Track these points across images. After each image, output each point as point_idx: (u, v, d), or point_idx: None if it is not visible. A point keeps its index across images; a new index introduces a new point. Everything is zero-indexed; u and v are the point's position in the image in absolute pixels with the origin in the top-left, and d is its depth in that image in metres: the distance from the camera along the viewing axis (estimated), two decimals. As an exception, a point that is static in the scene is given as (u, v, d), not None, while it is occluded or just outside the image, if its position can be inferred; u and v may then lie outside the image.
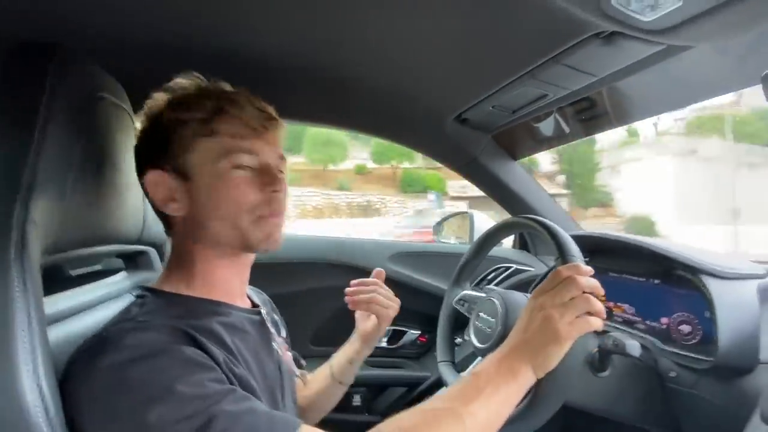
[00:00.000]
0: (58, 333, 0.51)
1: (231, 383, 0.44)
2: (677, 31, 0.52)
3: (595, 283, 0.49)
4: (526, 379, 0.47)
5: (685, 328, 0.73)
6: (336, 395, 0.76)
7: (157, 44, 0.73)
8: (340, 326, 1.29)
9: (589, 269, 0.50)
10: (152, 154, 0.52)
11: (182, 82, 0.54)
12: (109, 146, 0.54)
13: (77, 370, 0.41)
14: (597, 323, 0.47)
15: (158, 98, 0.54)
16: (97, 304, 0.64)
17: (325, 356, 1.27)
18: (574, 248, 0.57)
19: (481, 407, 0.44)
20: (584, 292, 0.48)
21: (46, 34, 0.68)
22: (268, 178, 0.52)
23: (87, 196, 0.50)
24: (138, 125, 0.55)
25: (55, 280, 0.56)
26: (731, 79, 0.71)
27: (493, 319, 0.65)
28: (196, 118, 0.51)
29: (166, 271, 0.55)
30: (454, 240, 1.54)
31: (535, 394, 0.50)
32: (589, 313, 0.48)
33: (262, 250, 0.54)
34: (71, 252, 0.52)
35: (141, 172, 0.53)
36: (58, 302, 0.56)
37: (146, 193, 0.53)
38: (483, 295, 0.77)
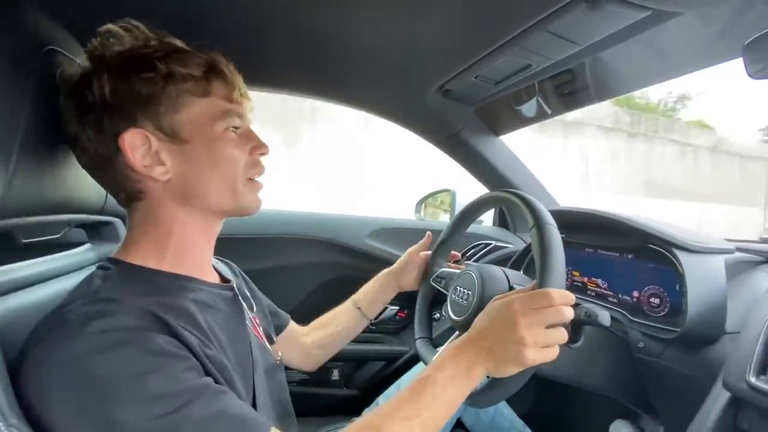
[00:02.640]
0: (8, 304, 0.48)
1: (204, 367, 0.43)
2: (663, -5, 0.50)
3: (566, 313, 0.49)
4: (479, 378, 0.49)
5: (655, 301, 0.75)
6: (359, 330, 0.84)
7: None
8: (320, 302, 1.28)
9: (569, 296, 0.50)
10: (128, 110, 0.45)
11: (136, 30, 0.48)
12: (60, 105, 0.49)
13: (36, 355, 0.38)
14: (555, 353, 0.48)
15: (112, 43, 0.47)
16: (56, 275, 0.60)
17: (304, 332, 1.27)
18: (547, 215, 0.56)
19: (436, 405, 0.47)
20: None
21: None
22: (255, 142, 0.53)
23: (39, 159, 0.46)
24: (79, 72, 0.47)
25: (7, 249, 0.53)
26: (714, 51, 0.70)
27: (470, 291, 0.65)
28: (192, 75, 0.47)
29: (131, 242, 0.51)
30: (435, 217, 1.54)
31: (477, 391, 0.52)
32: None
33: (249, 212, 0.54)
34: (21, 219, 0.48)
35: (106, 131, 0.46)
36: (10, 272, 0.53)
37: (116, 155, 0.46)
38: (459, 270, 0.77)
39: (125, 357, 0.37)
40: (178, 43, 0.50)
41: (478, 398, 0.52)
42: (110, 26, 0.48)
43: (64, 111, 0.47)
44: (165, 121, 0.47)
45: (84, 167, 0.50)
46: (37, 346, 0.39)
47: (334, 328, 0.82)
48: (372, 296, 0.84)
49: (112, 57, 0.46)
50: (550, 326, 0.48)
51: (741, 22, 0.60)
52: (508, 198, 0.64)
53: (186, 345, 0.42)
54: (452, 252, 0.84)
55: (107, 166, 0.47)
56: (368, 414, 0.47)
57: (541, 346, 0.47)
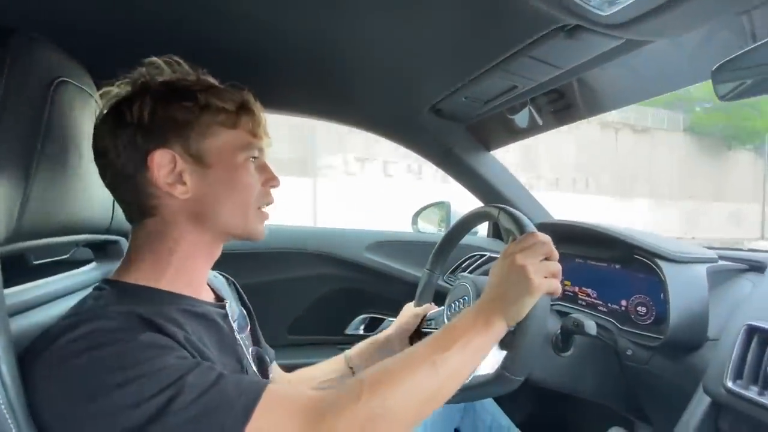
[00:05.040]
0: (20, 324, 0.50)
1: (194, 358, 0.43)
2: (634, 26, 0.55)
3: (554, 250, 0.54)
4: (499, 329, 0.51)
5: (642, 309, 0.78)
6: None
7: (123, 28, 0.71)
8: (318, 315, 1.31)
9: (548, 238, 0.55)
10: (162, 132, 0.50)
11: (176, 64, 0.54)
12: (72, 132, 0.52)
13: (29, 366, 0.40)
14: (559, 287, 0.53)
15: (155, 73, 0.52)
16: (63, 294, 0.62)
17: (302, 345, 1.29)
18: (530, 226, 0.59)
19: (455, 356, 0.47)
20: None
21: (4, 18, 0.66)
22: (269, 175, 0.57)
23: (51, 185, 0.49)
24: (121, 94, 0.52)
25: (17, 269, 0.55)
26: (686, 74, 0.75)
27: (465, 302, 0.68)
28: (225, 109, 0.52)
29: (130, 261, 0.52)
30: (430, 230, 1.57)
31: (507, 358, 0.54)
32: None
33: (256, 238, 0.57)
34: (34, 241, 0.50)
35: (139, 148, 0.49)
36: (20, 293, 0.55)
37: (141, 171, 0.50)
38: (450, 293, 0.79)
39: (114, 352, 0.39)
40: (211, 79, 0.55)
41: (510, 367, 0.54)
42: (154, 59, 0.53)
43: (98, 126, 0.51)
44: (193, 145, 0.51)
45: (105, 180, 0.53)
46: (28, 358, 0.41)
47: (321, 384, 0.77)
48: (367, 359, 0.78)
49: (156, 85, 0.52)
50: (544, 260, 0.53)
51: (708, 48, 0.65)
52: (491, 213, 0.67)
53: (173, 338, 0.43)
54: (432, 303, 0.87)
55: (129, 181, 0.51)
56: (381, 362, 0.47)
57: (543, 275, 0.52)
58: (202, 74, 0.55)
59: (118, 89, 0.52)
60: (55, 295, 0.60)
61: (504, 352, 0.56)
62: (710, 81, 0.62)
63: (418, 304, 0.87)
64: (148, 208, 0.52)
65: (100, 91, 0.54)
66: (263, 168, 0.57)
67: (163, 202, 0.51)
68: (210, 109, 0.52)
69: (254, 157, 0.55)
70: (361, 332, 1.34)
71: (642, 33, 0.57)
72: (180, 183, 0.50)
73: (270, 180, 0.57)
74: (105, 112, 0.52)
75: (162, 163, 0.49)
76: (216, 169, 0.52)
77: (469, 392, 0.56)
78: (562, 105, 1.05)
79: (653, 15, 0.53)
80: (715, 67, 0.60)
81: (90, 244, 0.76)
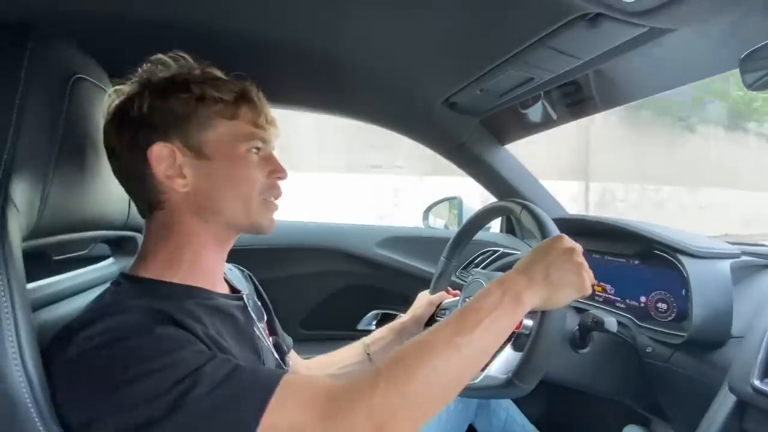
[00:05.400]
0: (43, 318, 0.51)
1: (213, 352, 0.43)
2: (657, 13, 0.53)
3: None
4: (527, 308, 0.50)
5: (662, 306, 0.76)
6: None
7: (138, 24, 0.71)
8: (330, 310, 1.31)
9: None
10: (161, 126, 0.50)
11: (182, 60, 0.54)
12: (90, 129, 0.53)
13: (50, 359, 0.41)
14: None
15: (159, 69, 0.52)
16: (83, 290, 0.63)
17: (315, 339, 1.30)
18: (554, 229, 0.58)
19: (480, 338, 0.46)
20: None
21: (23, 14, 0.66)
22: (274, 166, 0.56)
23: (69, 180, 0.50)
24: (125, 92, 0.52)
25: (40, 265, 0.56)
26: (712, 63, 0.72)
27: None
28: (223, 99, 0.51)
29: (146, 255, 0.53)
30: (442, 226, 1.56)
31: (519, 365, 0.53)
32: None
33: (262, 231, 0.56)
34: (54, 237, 0.51)
35: (140, 144, 0.50)
36: (42, 288, 0.56)
37: (146, 166, 0.50)
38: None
39: (131, 345, 0.39)
40: (218, 73, 0.55)
41: (521, 375, 0.53)
42: (160, 56, 0.53)
43: (107, 126, 0.52)
44: (192, 138, 0.50)
45: (116, 176, 0.54)
46: (49, 351, 0.41)
47: (339, 371, 0.78)
48: (385, 345, 0.79)
49: (157, 81, 0.52)
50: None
51: (736, 36, 0.62)
52: (513, 209, 0.66)
53: (191, 332, 0.43)
54: (448, 288, 0.87)
55: (136, 176, 0.52)
56: (399, 347, 0.46)
57: (590, 282, 0.53)
58: (207, 68, 0.54)
59: (124, 87, 0.53)
60: (76, 290, 0.61)
61: (517, 354, 0.55)
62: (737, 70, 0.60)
63: (433, 292, 0.86)
64: (155, 203, 0.52)
65: (112, 89, 0.54)
66: (268, 159, 0.56)
67: (168, 196, 0.52)
68: (207, 100, 0.51)
69: (258, 148, 0.54)
70: (373, 328, 1.34)
71: (667, 21, 0.55)
72: (180, 176, 0.50)
73: (275, 171, 0.56)
74: (110, 111, 0.52)
75: (161, 156, 0.49)
76: (216, 161, 0.51)
77: (479, 392, 0.55)
78: (577, 98, 1.02)
79: (679, 2, 0.51)
80: (743, 55, 0.58)
81: (107, 240, 0.77)
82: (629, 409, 0.85)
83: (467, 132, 1.15)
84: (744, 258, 0.76)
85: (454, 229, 1.45)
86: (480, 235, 0.97)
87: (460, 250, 0.86)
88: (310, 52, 0.82)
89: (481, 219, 0.81)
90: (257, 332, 0.58)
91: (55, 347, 0.41)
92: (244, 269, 0.73)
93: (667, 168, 5.80)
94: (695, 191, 5.93)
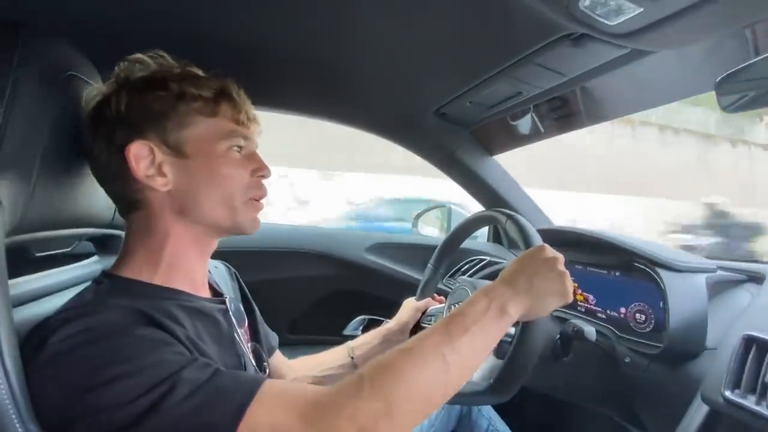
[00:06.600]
0: (23, 315, 0.51)
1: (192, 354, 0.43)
2: (639, 36, 0.55)
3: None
4: (513, 319, 0.50)
5: (641, 317, 0.78)
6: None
7: (131, 24, 0.72)
8: (317, 315, 1.31)
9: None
10: (138, 124, 0.49)
11: (161, 59, 0.53)
12: (80, 126, 0.53)
13: (28, 357, 0.40)
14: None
15: (138, 68, 0.51)
16: (65, 287, 0.62)
17: (302, 344, 1.29)
18: (538, 239, 0.60)
19: (466, 346, 0.45)
20: None
21: (15, 11, 0.66)
22: (258, 164, 0.54)
23: (56, 177, 0.49)
24: (103, 92, 0.51)
25: (22, 262, 0.55)
26: (690, 85, 0.76)
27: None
28: (202, 96, 0.51)
29: (127, 253, 0.52)
30: (431, 233, 1.57)
31: (500, 372, 0.54)
32: None
33: (245, 231, 0.55)
34: (38, 233, 0.51)
35: (117, 143, 0.49)
36: (24, 284, 0.55)
37: (124, 165, 0.49)
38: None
39: (111, 346, 0.39)
40: (198, 71, 0.54)
41: (501, 381, 0.53)
42: (139, 55, 0.52)
43: (84, 125, 0.51)
44: (171, 136, 0.50)
45: (95, 176, 0.53)
46: (26, 349, 0.40)
47: (322, 372, 0.78)
48: (369, 352, 0.79)
49: (135, 79, 0.51)
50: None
51: (713, 59, 0.65)
52: (498, 218, 0.67)
53: (171, 334, 0.42)
54: (434, 295, 0.88)
55: (114, 176, 0.50)
56: (384, 353, 0.45)
57: (569, 284, 0.53)
58: (187, 66, 0.54)
59: (101, 87, 0.52)
60: (58, 287, 0.61)
61: (497, 361, 0.56)
62: (713, 92, 0.63)
63: (420, 299, 0.87)
64: (134, 202, 0.51)
65: (90, 89, 0.52)
66: (251, 157, 0.54)
67: (147, 195, 0.51)
68: (185, 98, 0.50)
69: (240, 147, 0.53)
70: (359, 334, 1.33)
71: (647, 43, 0.58)
72: (160, 175, 0.50)
73: (258, 170, 0.54)
74: (88, 110, 0.51)
75: (140, 155, 0.49)
76: (196, 159, 0.50)
77: (460, 398, 0.56)
78: (564, 112, 1.05)
79: (659, 26, 0.53)
80: (719, 78, 0.61)
81: (92, 238, 0.77)
82: (609, 418, 0.86)
83: (457, 142, 1.17)
84: (720, 273, 0.79)
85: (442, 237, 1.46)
86: (467, 244, 0.99)
87: (447, 257, 0.87)
88: (304, 58, 0.83)
89: (468, 227, 0.83)
90: (237, 337, 0.57)
91: (35, 344, 0.41)
92: (230, 267, 0.72)
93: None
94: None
